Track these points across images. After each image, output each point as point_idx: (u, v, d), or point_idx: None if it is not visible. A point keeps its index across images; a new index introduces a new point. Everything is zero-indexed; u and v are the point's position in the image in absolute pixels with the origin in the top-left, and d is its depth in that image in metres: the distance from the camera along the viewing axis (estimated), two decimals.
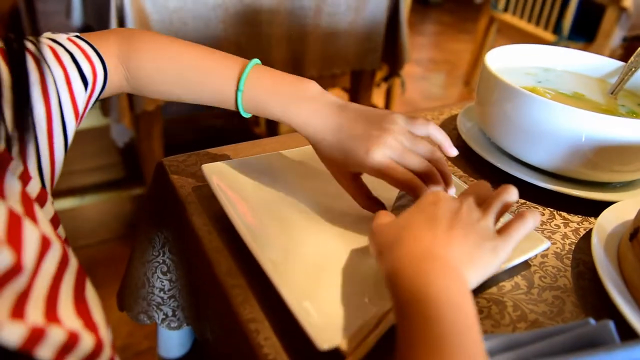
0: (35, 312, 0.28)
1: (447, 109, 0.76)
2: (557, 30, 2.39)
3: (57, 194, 1.79)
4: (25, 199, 0.33)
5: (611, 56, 0.74)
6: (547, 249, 0.50)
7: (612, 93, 0.68)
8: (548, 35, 2.41)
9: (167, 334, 0.72)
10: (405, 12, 2.09)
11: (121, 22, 1.30)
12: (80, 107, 0.46)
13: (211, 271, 0.46)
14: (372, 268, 0.45)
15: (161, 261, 0.63)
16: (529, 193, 0.58)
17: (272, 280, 0.41)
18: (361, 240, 0.49)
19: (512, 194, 0.41)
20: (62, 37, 0.47)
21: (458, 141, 0.67)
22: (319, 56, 1.69)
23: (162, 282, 0.63)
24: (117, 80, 0.51)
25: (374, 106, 2.17)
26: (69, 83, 0.45)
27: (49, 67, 0.43)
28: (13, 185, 0.32)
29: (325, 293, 0.42)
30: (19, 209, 0.31)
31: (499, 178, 0.60)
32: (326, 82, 2.06)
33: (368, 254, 0.47)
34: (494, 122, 0.61)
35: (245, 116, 0.52)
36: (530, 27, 2.52)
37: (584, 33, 2.38)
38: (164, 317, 0.64)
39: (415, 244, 0.36)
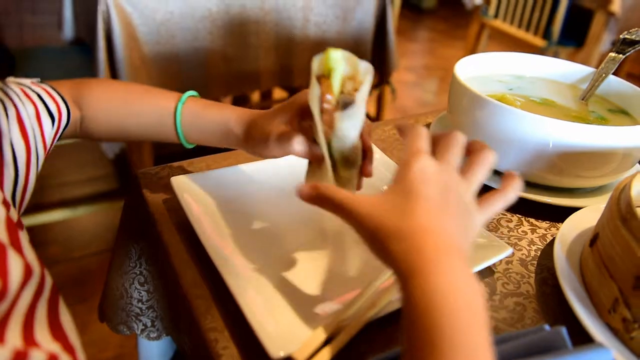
0: (14, 337, 0.29)
1: (423, 117, 0.77)
2: (546, 35, 2.40)
3: (50, 205, 1.80)
4: (10, 225, 0.33)
5: (601, 60, 0.75)
6: (512, 255, 0.51)
7: (583, 99, 0.68)
8: (538, 41, 2.42)
9: (147, 344, 0.73)
10: (394, 20, 2.11)
11: (109, 35, 1.32)
12: (48, 142, 0.49)
13: (178, 281, 0.47)
14: (327, 278, 0.46)
15: (138, 272, 0.64)
16: None
17: (231, 290, 0.41)
18: (319, 252, 0.50)
19: (492, 161, 0.42)
20: (26, 81, 0.51)
21: None
22: (307, 65, 1.71)
23: (140, 292, 0.64)
24: (73, 121, 0.55)
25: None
26: (38, 118, 0.48)
27: (22, 103, 0.46)
28: None
29: (282, 303, 0.42)
30: (4, 236, 0.32)
31: None
32: None
33: (324, 265, 0.48)
34: (463, 130, 0.62)
35: (179, 133, 0.55)
36: (520, 33, 2.54)
37: (573, 38, 2.40)
38: (143, 327, 0.65)
39: (427, 237, 0.34)
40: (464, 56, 2.46)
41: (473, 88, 0.59)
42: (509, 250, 0.47)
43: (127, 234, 0.65)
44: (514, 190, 0.41)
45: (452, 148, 0.40)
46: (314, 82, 0.41)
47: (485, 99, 0.56)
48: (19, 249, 0.33)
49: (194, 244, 0.49)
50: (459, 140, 0.41)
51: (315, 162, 0.46)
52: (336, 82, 0.41)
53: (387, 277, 0.44)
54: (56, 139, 0.51)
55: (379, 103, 2.21)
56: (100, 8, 1.29)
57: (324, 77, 0.41)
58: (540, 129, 0.54)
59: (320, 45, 1.69)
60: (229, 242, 0.49)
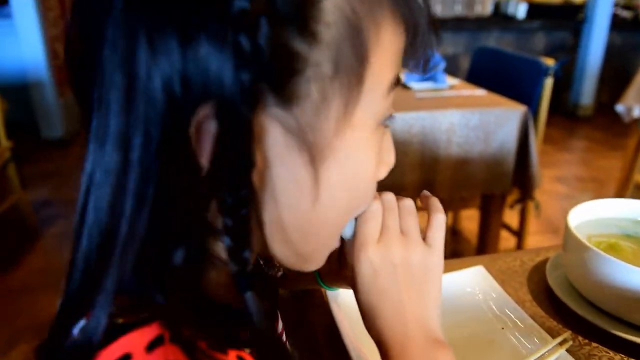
0: None
1: (544, 251, 0.86)
2: None
3: None
4: None
5: None
6: None
7: None
8: None
9: None
10: (541, 127, 2.18)
11: None
12: None
13: None
14: None
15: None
16: (604, 338, 0.65)
17: None
18: None
19: (443, 221, 0.47)
20: None
21: (546, 283, 0.76)
22: (449, 181, 1.85)
23: None
24: None
25: (505, 226, 2.17)
26: None
27: None
28: None
29: None
30: None
31: (578, 322, 0.68)
32: (457, 204, 2.19)
33: None
34: (571, 271, 0.71)
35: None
36: None
37: None
38: None
39: (413, 329, 0.42)
40: (622, 168, 2.37)
41: (580, 233, 0.69)
42: None
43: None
44: (437, 209, 0.48)
45: (402, 216, 0.46)
46: None
47: (587, 245, 0.66)
48: None
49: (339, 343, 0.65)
50: (411, 210, 0.47)
51: None
52: None
53: None
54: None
55: (522, 217, 2.23)
56: None
57: None
58: (636, 279, 0.62)
59: (463, 162, 1.84)
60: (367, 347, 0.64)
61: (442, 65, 2.17)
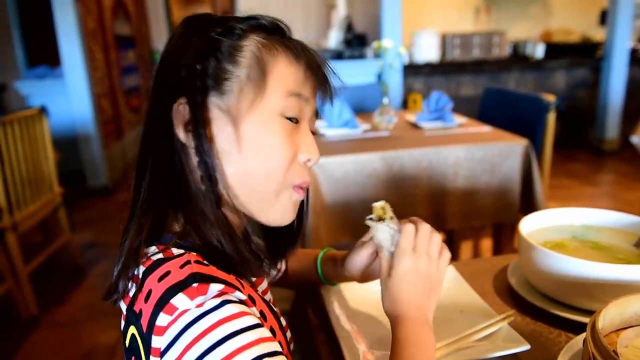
0: None
1: (512, 257, 0.99)
2: None
3: None
4: None
5: None
6: (529, 350, 0.69)
7: (635, 245, 0.84)
8: None
9: None
10: (547, 164, 2.29)
11: None
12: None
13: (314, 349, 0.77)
14: None
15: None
16: (548, 319, 0.77)
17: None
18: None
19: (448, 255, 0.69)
20: None
21: (508, 280, 0.89)
22: (458, 212, 1.98)
23: None
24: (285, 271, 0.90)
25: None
26: None
27: None
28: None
29: None
30: None
31: (529, 307, 0.81)
32: (469, 234, 2.29)
33: None
34: (524, 266, 0.84)
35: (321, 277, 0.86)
36: None
37: None
38: None
39: (418, 312, 0.63)
40: None
41: (530, 236, 0.83)
42: (526, 346, 0.67)
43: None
44: (422, 224, 0.68)
45: (431, 242, 0.67)
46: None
47: (532, 244, 0.79)
48: None
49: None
50: (438, 240, 0.67)
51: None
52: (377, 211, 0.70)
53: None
54: (276, 278, 0.86)
55: None
56: None
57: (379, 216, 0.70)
58: (571, 267, 0.74)
59: (471, 193, 1.97)
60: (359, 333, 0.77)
61: (450, 105, 2.34)
